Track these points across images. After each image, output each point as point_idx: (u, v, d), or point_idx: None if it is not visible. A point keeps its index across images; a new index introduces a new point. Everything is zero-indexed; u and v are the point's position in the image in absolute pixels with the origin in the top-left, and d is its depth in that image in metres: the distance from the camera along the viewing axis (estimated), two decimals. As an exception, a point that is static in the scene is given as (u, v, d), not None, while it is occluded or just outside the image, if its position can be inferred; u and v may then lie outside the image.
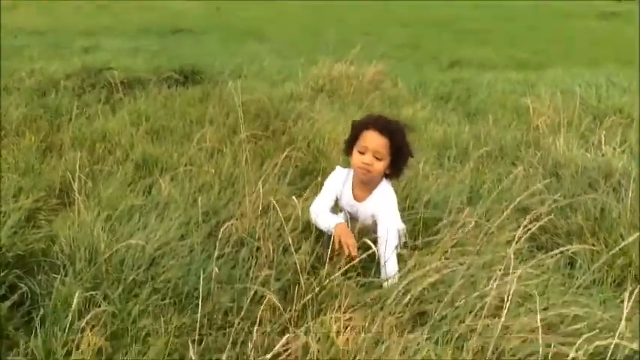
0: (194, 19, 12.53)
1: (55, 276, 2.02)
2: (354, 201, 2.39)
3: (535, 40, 12.05)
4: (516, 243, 1.97)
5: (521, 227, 2.07)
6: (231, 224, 2.30)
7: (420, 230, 2.44)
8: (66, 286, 1.95)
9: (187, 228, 2.42)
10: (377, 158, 2.24)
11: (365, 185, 2.35)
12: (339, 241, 2.14)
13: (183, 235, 2.36)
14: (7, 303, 1.94)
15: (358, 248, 2.10)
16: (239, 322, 1.82)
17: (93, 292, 1.92)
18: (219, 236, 2.09)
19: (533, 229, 2.03)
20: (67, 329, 1.77)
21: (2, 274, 2.06)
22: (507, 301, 1.61)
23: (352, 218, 2.43)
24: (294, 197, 2.30)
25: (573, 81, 6.27)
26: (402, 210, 2.53)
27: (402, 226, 2.40)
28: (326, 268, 2.02)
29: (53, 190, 2.88)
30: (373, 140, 2.23)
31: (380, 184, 2.35)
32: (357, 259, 2.06)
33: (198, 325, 1.77)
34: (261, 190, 2.39)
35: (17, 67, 5.19)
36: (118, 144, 3.50)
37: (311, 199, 2.58)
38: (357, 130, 2.29)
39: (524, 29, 13.89)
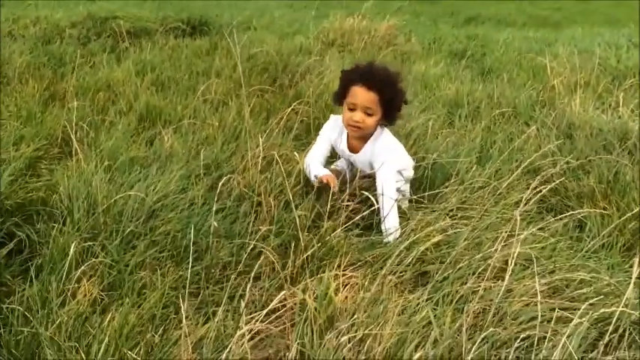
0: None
1: (54, 225, 2.00)
2: (350, 152, 2.36)
3: (556, -2, 11.68)
4: (525, 205, 1.90)
5: (530, 189, 2.00)
6: (232, 178, 2.25)
7: (426, 189, 2.38)
8: (63, 235, 1.92)
9: (188, 181, 2.38)
10: (367, 114, 2.19)
11: (359, 137, 2.30)
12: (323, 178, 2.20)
13: (184, 188, 2.32)
14: (4, 250, 1.92)
15: (359, 202, 2.07)
16: (236, 277, 1.79)
17: (90, 243, 1.90)
18: (219, 190, 2.04)
19: (544, 191, 1.95)
20: (63, 278, 1.75)
21: (1, 221, 2.05)
22: (511, 263, 1.56)
23: (353, 165, 2.41)
24: (295, 153, 2.24)
25: (593, 40, 6.07)
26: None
27: (411, 172, 2.34)
28: (325, 224, 1.98)
29: (55, 139, 2.84)
30: (362, 96, 2.17)
31: (376, 134, 2.29)
32: (358, 216, 2.02)
33: (194, 278, 1.74)
34: (262, 145, 2.32)
35: (22, 15, 5.09)
36: (121, 94, 3.44)
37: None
38: (345, 84, 2.23)
39: (544, -14, 13.46)
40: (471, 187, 2.42)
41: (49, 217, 2.12)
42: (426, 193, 2.30)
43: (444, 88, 4.11)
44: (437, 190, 2.33)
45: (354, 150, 2.35)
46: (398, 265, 1.81)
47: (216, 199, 1.96)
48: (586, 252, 2.04)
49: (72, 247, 1.74)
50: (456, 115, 3.54)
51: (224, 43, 4.66)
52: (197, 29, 5.32)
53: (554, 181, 2.32)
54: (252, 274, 1.68)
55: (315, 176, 2.27)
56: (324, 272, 1.76)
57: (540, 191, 2.01)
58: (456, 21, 8.23)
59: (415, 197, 2.32)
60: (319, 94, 3.59)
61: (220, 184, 1.99)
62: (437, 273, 1.76)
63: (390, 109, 2.23)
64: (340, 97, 2.26)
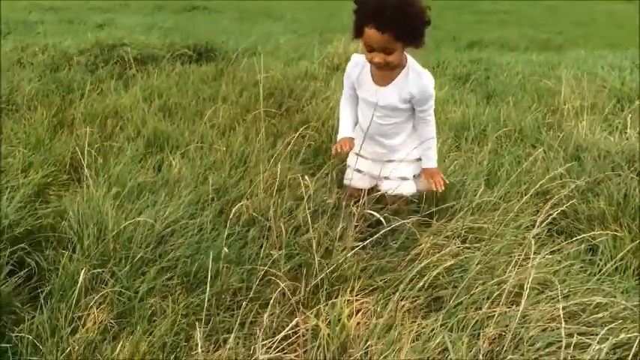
0: (209, -4, 12.40)
1: (63, 252, 1.99)
2: (376, 86, 2.25)
3: (556, 22, 11.81)
4: (536, 228, 1.89)
5: (542, 213, 1.99)
6: (242, 204, 2.25)
7: (435, 212, 2.36)
8: (73, 262, 1.91)
9: (197, 206, 2.38)
10: (387, 53, 2.08)
11: (383, 71, 2.20)
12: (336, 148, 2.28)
13: (193, 214, 2.31)
14: (14, 279, 1.91)
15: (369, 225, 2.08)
16: (247, 304, 1.77)
17: (100, 270, 1.89)
18: (230, 215, 2.03)
19: (555, 214, 1.94)
20: (72, 306, 1.74)
21: (10, 249, 2.04)
22: (527, 288, 1.54)
23: (376, 111, 2.28)
24: (306, 176, 2.23)
25: (596, 63, 6.10)
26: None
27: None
28: (336, 247, 1.96)
29: (63, 166, 2.84)
30: (376, 38, 2.04)
31: (405, 64, 2.18)
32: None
33: (205, 305, 1.72)
34: (270, 169, 2.32)
35: (31, 43, 5.15)
36: (129, 120, 3.46)
37: (323, 179, 2.52)
38: (358, 25, 2.10)
39: (545, 11, 13.61)
40: (481, 210, 2.41)
41: (58, 244, 2.11)
42: (435, 210, 2.28)
43: (449, 112, 4.12)
44: (446, 205, 2.32)
45: (381, 82, 2.24)
46: (410, 290, 1.79)
47: (226, 225, 1.96)
48: (600, 275, 2.02)
49: (81, 274, 1.73)
50: (463, 138, 3.54)
51: (230, 68, 4.70)
52: (203, 55, 5.36)
53: (564, 204, 2.31)
54: (264, 301, 1.66)
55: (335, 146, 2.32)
56: (336, 297, 1.74)
57: (551, 214, 2.00)
58: (459, 45, 8.30)
59: (425, 218, 2.31)
60: (325, 118, 3.60)
61: (233, 211, 1.98)
62: (450, 298, 1.74)
63: (411, 38, 2.08)
64: (357, 34, 2.14)
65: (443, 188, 2.24)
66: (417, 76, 2.19)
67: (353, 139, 2.34)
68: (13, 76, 4.02)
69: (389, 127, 2.32)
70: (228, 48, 5.72)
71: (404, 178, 2.36)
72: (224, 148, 2.97)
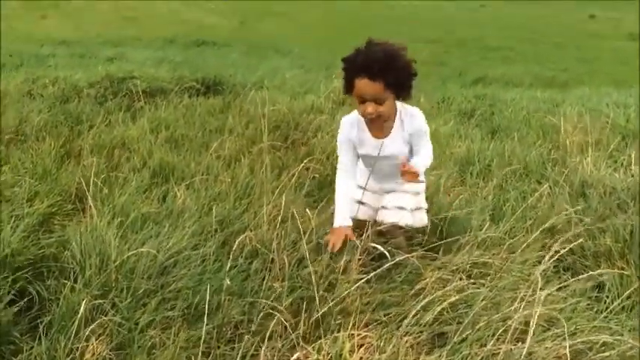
0: (218, 31, 12.66)
1: (65, 282, 1.98)
2: (377, 140, 2.28)
3: (561, 59, 11.94)
4: (542, 265, 1.87)
5: (549, 250, 1.97)
6: (246, 235, 2.24)
7: (440, 246, 2.35)
8: (74, 292, 1.90)
9: (201, 237, 2.37)
10: (379, 103, 2.14)
11: (378, 123, 2.26)
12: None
13: (196, 245, 2.31)
14: (14, 308, 1.90)
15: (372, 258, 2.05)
16: (249, 337, 1.75)
17: (101, 300, 1.87)
18: (233, 247, 2.03)
19: (562, 252, 1.92)
20: (72, 337, 1.72)
21: (12, 277, 2.03)
22: (532, 325, 1.51)
23: (379, 160, 2.30)
24: (307, 210, 2.23)
25: (600, 100, 6.14)
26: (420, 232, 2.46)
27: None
28: (339, 281, 1.94)
29: (69, 196, 2.85)
30: (367, 89, 2.11)
31: (399, 112, 2.25)
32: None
33: (206, 338, 1.70)
34: (274, 201, 2.32)
35: (42, 75, 5.25)
36: (136, 151, 3.49)
37: (327, 212, 2.52)
38: (349, 79, 2.17)
39: (550, 48, 13.78)
40: (486, 245, 2.39)
41: (60, 274, 2.10)
42: (439, 244, 2.26)
43: (454, 146, 4.14)
44: (451, 239, 2.30)
45: (380, 135, 2.28)
46: (414, 325, 1.76)
47: (229, 256, 1.95)
48: (607, 313, 1.98)
49: (82, 304, 1.72)
50: (467, 173, 3.55)
51: (237, 101, 4.76)
52: (211, 89, 5.44)
53: (570, 241, 2.29)
54: (265, 335, 1.63)
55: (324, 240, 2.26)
56: (338, 332, 1.72)
57: (558, 251, 1.98)
58: (464, 81, 8.39)
59: (429, 253, 2.30)
60: (330, 151, 3.62)
61: (236, 242, 1.97)
62: (455, 334, 1.71)
63: (400, 88, 2.17)
64: (348, 89, 2.21)
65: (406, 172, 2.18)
66: (410, 118, 2.26)
67: (350, 228, 2.27)
68: (23, 108, 4.08)
69: (392, 169, 2.32)
70: (236, 81, 5.81)
71: (401, 208, 2.36)
72: (229, 180, 2.98)
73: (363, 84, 2.12)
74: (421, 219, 2.42)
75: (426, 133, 2.30)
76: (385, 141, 2.28)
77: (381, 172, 2.36)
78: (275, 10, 19.28)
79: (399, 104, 2.26)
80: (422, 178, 2.33)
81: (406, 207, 2.36)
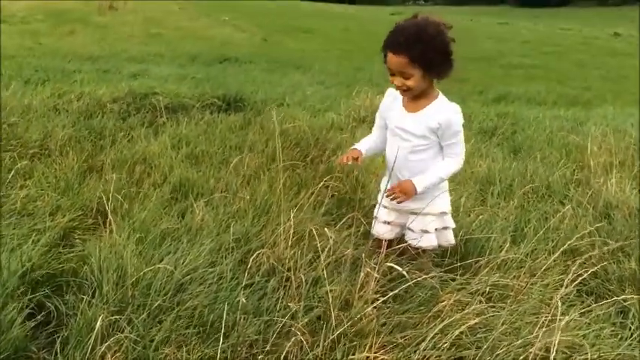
0: (241, 48, 12.79)
1: (83, 297, 1.99)
2: (405, 112, 2.30)
3: (584, 78, 11.79)
4: (565, 288, 1.83)
5: (571, 272, 1.92)
6: (262, 253, 2.23)
7: (459, 267, 2.31)
8: (91, 308, 1.91)
9: (218, 254, 2.37)
10: (405, 77, 2.16)
11: (415, 99, 2.26)
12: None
13: (214, 262, 2.31)
14: (32, 323, 1.92)
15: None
16: (264, 356, 1.73)
17: (117, 317, 1.88)
18: (249, 265, 2.02)
19: (585, 275, 1.88)
20: (88, 353, 1.72)
21: (31, 292, 2.05)
22: (553, 352, 1.47)
23: (402, 137, 2.32)
24: (326, 229, 2.22)
25: (625, 120, 6.03)
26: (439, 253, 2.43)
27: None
28: (356, 302, 1.92)
29: (90, 210, 2.88)
30: (392, 61, 2.15)
31: (433, 95, 2.25)
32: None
33: (221, 356, 1.69)
34: (292, 219, 2.31)
35: (67, 90, 5.34)
36: (157, 167, 3.52)
37: (346, 231, 2.50)
38: (384, 53, 2.20)
39: (573, 66, 13.63)
40: (506, 267, 2.35)
41: (78, 289, 2.12)
42: (458, 265, 2.23)
43: (475, 165, 4.10)
44: (470, 260, 2.27)
45: (411, 109, 2.29)
46: (432, 349, 1.73)
47: (246, 274, 1.94)
48: (631, 340, 1.93)
49: (99, 320, 1.72)
50: (488, 192, 3.51)
51: (258, 118, 4.79)
52: (232, 105, 5.47)
53: (593, 264, 2.24)
54: (281, 354, 1.62)
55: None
56: (354, 354, 1.70)
57: (581, 274, 1.93)
58: (486, 99, 8.31)
59: (448, 275, 2.26)
60: (350, 169, 3.61)
61: (252, 260, 1.96)
62: (474, 359, 1.67)
63: (429, 64, 2.13)
64: (384, 61, 2.23)
65: (392, 197, 2.26)
66: (445, 107, 2.25)
67: (361, 152, 2.39)
68: (48, 122, 4.15)
69: (415, 163, 2.29)
70: (257, 98, 5.84)
71: (425, 231, 2.33)
72: (248, 197, 2.98)
73: (389, 57, 2.15)
74: (447, 239, 2.40)
75: (457, 134, 2.25)
76: (410, 115, 2.29)
77: (403, 164, 2.31)
78: (298, 26, 19.47)
79: (441, 95, 2.26)
80: (433, 193, 2.30)
81: (430, 230, 2.34)
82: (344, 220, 2.57)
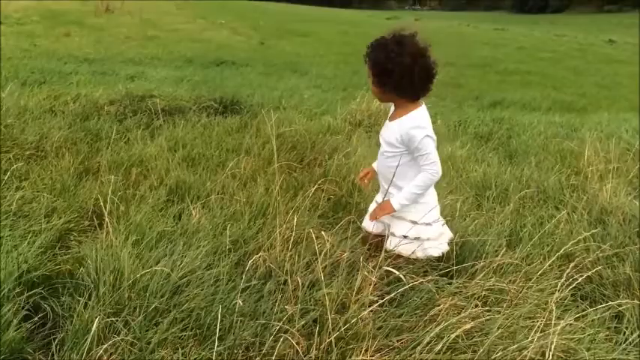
0: (238, 51, 12.81)
1: (79, 299, 1.99)
2: (388, 121, 2.43)
3: (580, 84, 11.85)
4: (559, 292, 1.84)
5: (565, 277, 1.94)
6: (259, 256, 2.24)
7: (455, 271, 2.32)
8: (87, 310, 1.91)
9: (214, 257, 2.37)
10: (372, 83, 2.32)
11: (395, 109, 2.39)
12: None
13: (210, 264, 2.31)
14: (28, 324, 1.91)
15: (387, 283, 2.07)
16: (260, 359, 1.74)
17: (114, 319, 1.87)
18: (247, 268, 2.02)
19: (580, 279, 1.89)
20: (84, 355, 1.72)
21: (27, 294, 2.04)
22: (549, 356, 1.48)
23: (381, 144, 2.48)
24: (322, 232, 2.22)
25: (620, 126, 6.07)
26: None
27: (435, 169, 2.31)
28: (352, 305, 1.92)
29: (86, 212, 2.88)
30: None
31: (407, 108, 2.33)
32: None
33: (217, 359, 1.69)
34: (288, 222, 2.32)
35: (63, 92, 5.33)
36: (153, 169, 3.51)
37: (342, 234, 2.51)
38: None
39: (568, 73, 13.71)
40: (502, 271, 2.36)
41: (74, 290, 2.11)
42: (454, 270, 2.23)
43: (470, 170, 4.11)
44: (465, 265, 2.27)
45: (391, 118, 2.40)
46: (428, 352, 1.74)
47: (242, 277, 1.94)
48: (626, 345, 1.94)
49: (95, 322, 1.72)
50: (484, 197, 3.52)
51: (254, 121, 4.79)
52: (229, 108, 5.47)
53: (588, 268, 2.25)
54: (277, 358, 1.62)
55: None
56: (350, 357, 1.70)
57: (576, 279, 1.94)
58: (481, 104, 8.34)
59: (443, 278, 2.27)
60: (346, 173, 3.62)
61: (249, 263, 1.97)
62: (469, 363, 1.68)
63: (385, 76, 2.24)
64: None
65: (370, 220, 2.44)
66: (407, 122, 2.30)
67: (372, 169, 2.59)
68: (44, 124, 4.14)
69: (390, 171, 2.37)
70: (254, 101, 5.85)
71: (405, 237, 2.37)
72: (244, 200, 2.99)
73: None
74: (407, 249, 2.38)
75: (419, 149, 2.27)
76: (387, 124, 2.42)
77: (383, 171, 2.47)
78: (294, 29, 19.50)
79: (416, 111, 2.31)
80: (412, 209, 2.37)
81: (397, 233, 2.39)
82: (340, 223, 2.58)
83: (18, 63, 7.70)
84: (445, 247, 2.44)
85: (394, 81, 2.22)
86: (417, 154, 2.29)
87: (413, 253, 2.37)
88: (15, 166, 3.17)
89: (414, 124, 2.27)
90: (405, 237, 2.37)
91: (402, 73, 2.19)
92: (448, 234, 2.50)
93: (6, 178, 3.02)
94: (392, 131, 2.35)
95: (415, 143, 2.26)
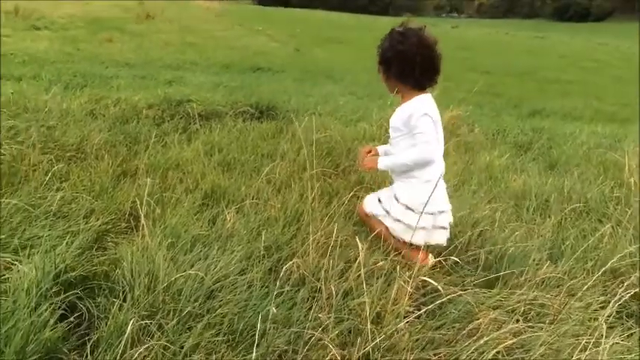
0: (274, 58, 12.90)
1: (115, 300, 2.00)
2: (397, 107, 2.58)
3: (623, 94, 11.52)
4: (607, 309, 1.75)
5: (611, 294, 1.85)
6: (293, 263, 2.21)
7: (495, 283, 2.25)
8: (122, 312, 1.91)
9: (248, 262, 2.36)
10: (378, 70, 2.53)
11: (402, 98, 2.52)
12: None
13: (244, 270, 2.29)
14: (64, 324, 1.93)
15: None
16: (293, 368, 1.71)
17: (148, 321, 1.87)
18: (280, 274, 2.00)
19: (626, 297, 1.80)
20: (118, 357, 1.72)
21: (64, 294, 2.06)
22: (597, 376, 1.41)
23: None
24: (357, 239, 2.18)
25: (666, 137, 5.86)
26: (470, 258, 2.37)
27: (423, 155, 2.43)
28: (389, 315, 1.88)
29: (123, 214, 2.91)
30: None
31: (408, 96, 2.48)
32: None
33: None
34: (323, 229, 2.28)
35: (104, 95, 5.44)
36: (189, 173, 3.54)
37: (376, 241, 2.47)
38: None
39: (610, 81, 13.35)
40: (544, 285, 2.28)
41: (110, 292, 2.13)
42: (494, 279, 2.16)
43: (509, 180, 4.01)
44: (503, 273, 2.20)
45: (399, 105, 2.56)
46: (466, 367, 1.68)
47: (275, 283, 1.92)
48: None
49: (129, 324, 1.72)
50: (524, 208, 3.42)
51: (290, 127, 4.79)
52: (265, 113, 5.49)
53: (635, 285, 2.15)
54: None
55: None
56: (386, 370, 1.65)
57: (623, 296, 1.85)
58: (520, 113, 8.17)
59: (482, 290, 2.20)
60: (381, 180, 3.57)
61: (283, 269, 1.94)
62: (510, 380, 1.61)
63: (389, 65, 2.43)
64: None
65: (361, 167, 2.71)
66: (409, 104, 2.46)
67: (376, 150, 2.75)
68: (85, 126, 4.22)
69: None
70: (289, 107, 5.85)
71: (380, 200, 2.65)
72: (279, 205, 2.97)
73: None
74: (393, 228, 2.50)
75: (417, 126, 2.39)
76: (396, 109, 2.55)
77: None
78: (330, 36, 19.55)
79: (417, 98, 2.45)
80: (407, 191, 2.49)
81: (388, 210, 2.53)
82: (376, 231, 2.53)
83: (61, 67, 7.91)
84: (435, 240, 2.49)
85: (396, 68, 2.41)
86: (414, 131, 2.40)
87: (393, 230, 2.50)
88: (56, 167, 3.24)
89: (416, 105, 2.42)
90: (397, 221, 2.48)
91: (403, 60, 2.37)
92: (439, 236, 2.50)
93: (47, 179, 3.07)
94: (397, 116, 2.51)
95: (413, 120, 2.39)
